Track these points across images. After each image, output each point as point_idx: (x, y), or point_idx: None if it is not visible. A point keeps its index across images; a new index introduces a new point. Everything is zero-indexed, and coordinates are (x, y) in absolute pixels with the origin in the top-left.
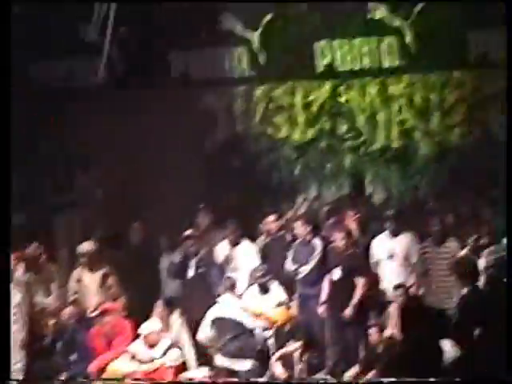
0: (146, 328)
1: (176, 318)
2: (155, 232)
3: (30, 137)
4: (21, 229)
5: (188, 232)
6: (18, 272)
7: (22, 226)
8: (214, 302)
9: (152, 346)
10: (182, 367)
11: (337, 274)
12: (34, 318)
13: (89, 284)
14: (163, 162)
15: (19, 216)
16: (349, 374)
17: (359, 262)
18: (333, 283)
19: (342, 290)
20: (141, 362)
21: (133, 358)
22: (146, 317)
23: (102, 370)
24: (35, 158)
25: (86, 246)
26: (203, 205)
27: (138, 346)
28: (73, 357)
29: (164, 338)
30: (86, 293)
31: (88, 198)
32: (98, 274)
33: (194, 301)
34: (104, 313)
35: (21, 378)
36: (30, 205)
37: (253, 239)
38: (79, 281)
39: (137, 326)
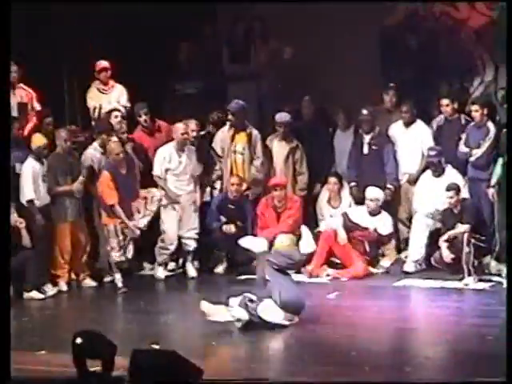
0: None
1: (346, 195)
2: (331, 107)
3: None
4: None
5: (365, 110)
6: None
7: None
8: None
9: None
10: None
11: None
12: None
13: (277, 153)
14: (339, 34)
15: (193, 84)
16: None
17: None
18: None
19: None
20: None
21: None
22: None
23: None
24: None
25: (284, 116)
26: (393, 84)
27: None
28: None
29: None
30: (273, 162)
31: (265, 69)
32: (289, 146)
33: (367, 177)
34: (276, 185)
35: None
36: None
37: (427, 121)
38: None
39: (306, 202)
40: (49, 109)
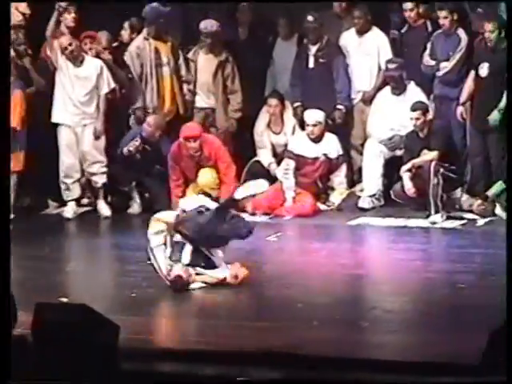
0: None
1: (289, 117)
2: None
3: None
4: None
5: (311, 16)
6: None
7: None
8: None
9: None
10: None
11: (484, 70)
12: None
13: (204, 68)
14: None
15: None
16: (490, 193)
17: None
18: (478, 81)
19: (488, 89)
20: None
21: None
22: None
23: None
24: None
25: (211, 25)
26: None
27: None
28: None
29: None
30: (197, 79)
31: None
32: (217, 59)
33: (313, 96)
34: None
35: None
36: None
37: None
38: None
39: (244, 127)
40: None
